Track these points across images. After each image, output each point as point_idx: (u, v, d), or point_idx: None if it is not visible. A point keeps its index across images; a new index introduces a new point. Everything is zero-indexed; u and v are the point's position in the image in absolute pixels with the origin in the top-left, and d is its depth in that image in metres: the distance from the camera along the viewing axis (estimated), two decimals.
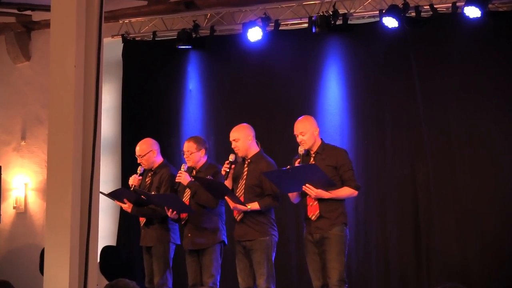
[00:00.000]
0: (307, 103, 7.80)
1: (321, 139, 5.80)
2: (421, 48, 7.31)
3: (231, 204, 5.92)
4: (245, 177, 5.98)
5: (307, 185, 5.53)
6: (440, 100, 7.22)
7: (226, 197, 5.98)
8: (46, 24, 8.88)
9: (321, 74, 7.82)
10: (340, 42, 7.73)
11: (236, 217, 5.99)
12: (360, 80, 7.65)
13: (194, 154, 6.30)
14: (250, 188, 5.94)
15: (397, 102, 7.45)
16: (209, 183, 6.05)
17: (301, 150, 5.73)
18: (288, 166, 5.68)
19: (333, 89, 7.76)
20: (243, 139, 5.98)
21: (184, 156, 6.36)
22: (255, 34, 7.88)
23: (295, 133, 5.75)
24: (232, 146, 5.98)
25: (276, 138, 7.79)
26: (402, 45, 7.38)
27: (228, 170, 5.96)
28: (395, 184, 7.35)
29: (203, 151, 6.33)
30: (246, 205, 5.86)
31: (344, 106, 7.66)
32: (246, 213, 5.91)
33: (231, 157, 5.99)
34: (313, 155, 5.75)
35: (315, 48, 7.84)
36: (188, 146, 6.33)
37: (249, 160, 6.02)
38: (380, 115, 7.52)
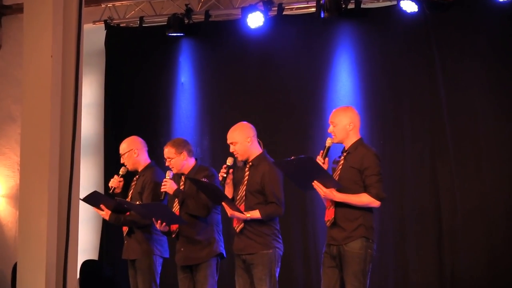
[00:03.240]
0: (315, 98, 7.81)
1: (361, 137, 5.66)
2: (444, 36, 7.31)
3: (229, 212, 5.90)
4: (246, 182, 5.96)
5: (315, 182, 5.48)
6: (465, 94, 7.22)
7: (223, 204, 5.97)
8: (19, 9, 8.88)
9: (330, 65, 7.82)
10: (352, 28, 7.73)
11: (235, 228, 5.97)
12: (375, 71, 7.65)
13: (175, 160, 6.30)
14: (252, 195, 5.92)
15: (417, 96, 7.45)
16: (202, 186, 6.05)
17: (328, 142, 5.62)
18: (293, 157, 5.63)
19: (344, 82, 7.76)
20: (242, 141, 5.96)
21: (167, 164, 6.37)
22: (255, 20, 7.89)
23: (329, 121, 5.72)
24: (231, 150, 5.96)
25: (280, 138, 7.79)
26: (423, 32, 7.38)
27: (225, 175, 5.93)
28: (415, 188, 7.35)
29: (184, 154, 6.32)
30: (245, 213, 5.85)
31: (357, 101, 7.65)
32: (247, 223, 5.89)
33: (229, 161, 5.97)
34: (345, 154, 5.67)
35: (324, 36, 7.84)
36: (167, 152, 6.35)
37: (250, 163, 6.00)
38: (398, 111, 7.53)
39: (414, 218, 7.32)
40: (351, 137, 5.62)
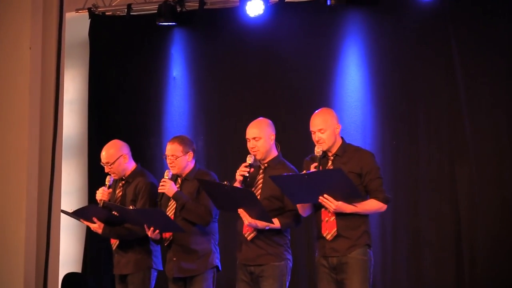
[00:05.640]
0: (320, 94, 7.81)
1: (342, 138, 5.76)
2: (464, 25, 7.31)
3: (247, 220, 5.83)
4: (260, 185, 5.94)
5: (325, 195, 5.51)
6: (487, 89, 7.22)
7: (239, 211, 5.88)
8: None
9: (338, 58, 7.82)
10: (362, 17, 7.74)
11: (246, 235, 5.92)
12: (386, 65, 7.65)
13: (180, 159, 6.28)
14: (268, 201, 5.88)
15: (434, 92, 7.45)
16: (220, 190, 5.94)
17: (318, 151, 5.66)
18: (304, 171, 5.64)
19: (353, 77, 7.76)
20: (266, 138, 5.95)
21: (168, 162, 6.33)
22: (255, 8, 7.89)
23: (311, 129, 5.71)
24: (250, 146, 5.93)
25: (282, 138, 7.78)
26: (440, 21, 7.38)
27: (247, 174, 5.89)
28: (431, 194, 7.36)
29: (190, 154, 6.32)
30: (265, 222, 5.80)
31: (367, 97, 7.66)
32: (260, 231, 5.87)
33: (250, 159, 5.92)
34: (332, 157, 5.69)
35: (331, 25, 7.84)
36: (172, 149, 6.31)
37: (266, 165, 6.00)
38: (412, 108, 7.53)
39: (430, 225, 7.32)
40: (338, 140, 5.75)
